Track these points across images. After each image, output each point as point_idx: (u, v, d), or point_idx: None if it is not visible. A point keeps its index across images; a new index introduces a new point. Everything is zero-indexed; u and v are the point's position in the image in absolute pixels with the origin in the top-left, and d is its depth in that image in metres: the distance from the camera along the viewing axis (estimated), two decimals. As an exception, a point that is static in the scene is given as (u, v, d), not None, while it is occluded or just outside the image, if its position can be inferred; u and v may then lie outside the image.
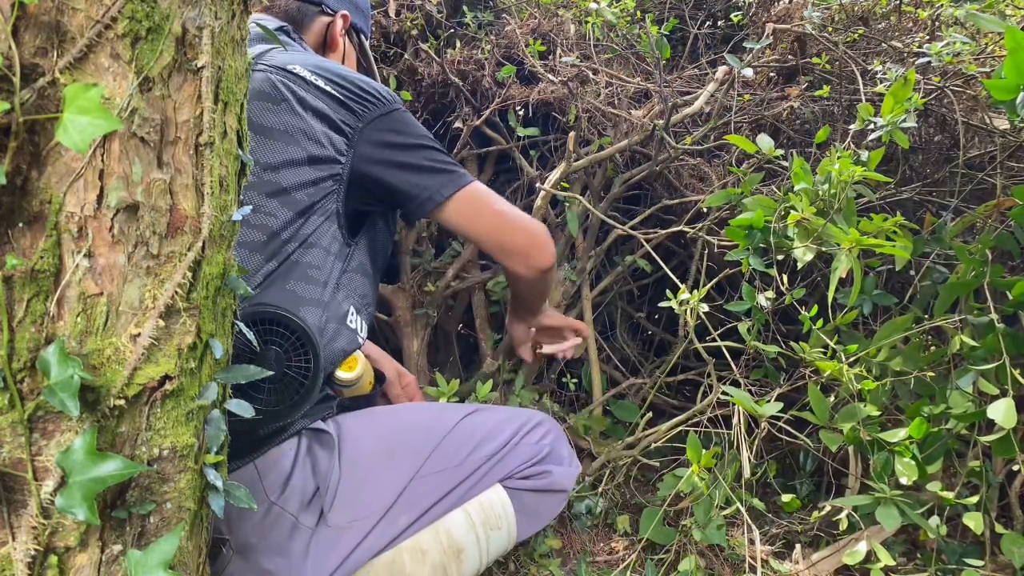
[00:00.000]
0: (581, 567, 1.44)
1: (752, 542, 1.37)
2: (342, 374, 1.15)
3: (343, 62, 1.44)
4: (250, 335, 0.90)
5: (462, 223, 1.24)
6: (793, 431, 1.41)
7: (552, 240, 1.34)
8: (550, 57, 2.03)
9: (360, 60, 1.52)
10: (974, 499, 1.21)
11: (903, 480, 1.21)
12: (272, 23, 1.33)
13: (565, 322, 1.62)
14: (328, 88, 1.15)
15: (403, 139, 1.19)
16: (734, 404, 1.37)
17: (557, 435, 1.27)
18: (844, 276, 1.20)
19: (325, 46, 1.42)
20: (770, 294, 1.45)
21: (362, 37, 1.51)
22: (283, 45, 1.04)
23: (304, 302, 1.09)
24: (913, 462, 1.22)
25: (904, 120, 1.33)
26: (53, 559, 0.68)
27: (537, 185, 1.78)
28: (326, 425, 1.12)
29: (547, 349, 1.65)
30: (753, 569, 1.35)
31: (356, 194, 1.18)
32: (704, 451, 1.32)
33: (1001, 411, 1.12)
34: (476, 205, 1.24)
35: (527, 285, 1.38)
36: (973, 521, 1.17)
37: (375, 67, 1.55)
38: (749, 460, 1.32)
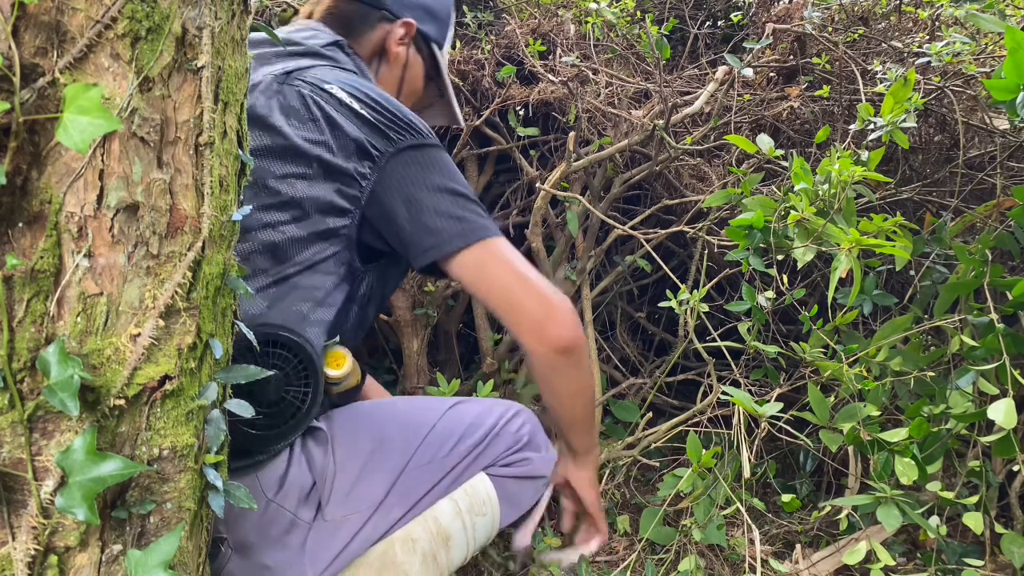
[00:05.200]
0: (581, 567, 1.44)
1: (752, 542, 1.37)
2: (331, 371, 1.15)
3: (403, 76, 1.33)
4: (251, 335, 0.90)
5: (471, 279, 1.11)
6: (793, 431, 1.41)
7: (578, 320, 1.16)
8: (550, 57, 2.03)
9: (429, 72, 1.36)
10: (974, 499, 1.21)
11: (903, 480, 1.21)
12: (325, 36, 1.23)
13: (593, 507, 1.34)
14: (362, 111, 1.09)
15: (431, 177, 1.10)
16: (734, 404, 1.37)
17: (534, 424, 1.28)
18: (844, 276, 1.20)
19: (380, 57, 1.30)
20: (770, 294, 1.45)
21: (435, 48, 1.34)
22: (277, 40, 1.03)
23: (310, 323, 1.08)
24: (913, 462, 1.22)
25: (904, 120, 1.33)
26: (53, 559, 0.68)
27: (537, 185, 1.78)
28: (319, 422, 1.13)
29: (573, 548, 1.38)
30: (753, 569, 1.35)
31: (368, 226, 1.12)
32: (704, 451, 1.32)
33: (1001, 411, 1.12)
34: (491, 261, 1.11)
35: (546, 375, 1.18)
36: (973, 521, 1.18)
37: (449, 87, 1.40)
38: (749, 460, 1.32)
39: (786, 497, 1.36)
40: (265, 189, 1.08)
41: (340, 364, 1.15)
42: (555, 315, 1.12)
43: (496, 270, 1.11)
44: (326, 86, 1.11)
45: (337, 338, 1.16)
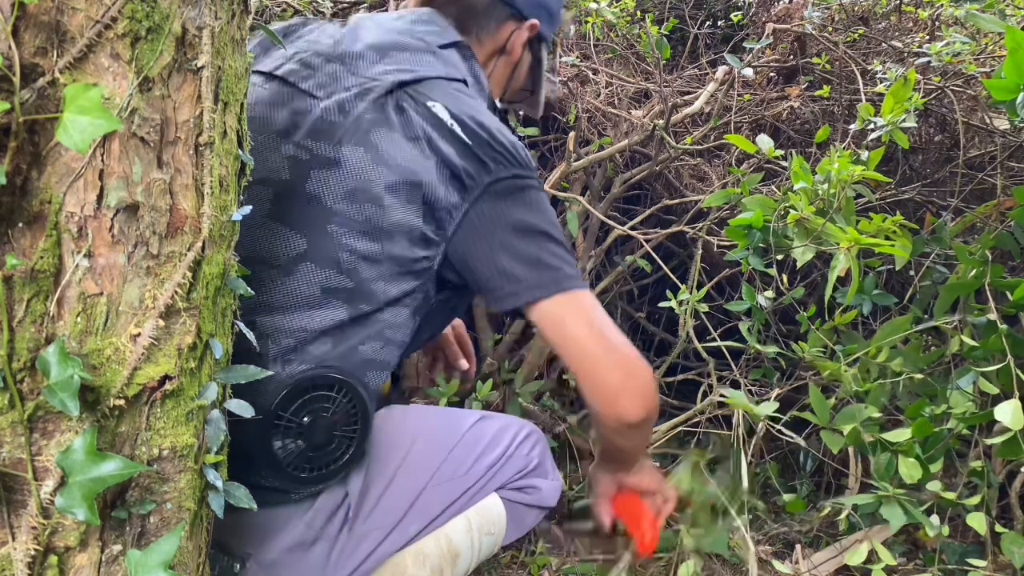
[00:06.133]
0: (581, 566, 1.44)
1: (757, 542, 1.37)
2: None
3: (514, 74, 1.29)
4: (251, 338, 0.88)
5: (549, 333, 1.04)
6: (791, 433, 1.41)
7: (655, 391, 1.09)
8: (550, 57, 2.03)
9: (533, 70, 1.33)
10: (976, 499, 1.21)
11: (907, 480, 1.21)
12: (445, 35, 1.14)
13: (660, 485, 1.28)
14: (463, 135, 1.01)
15: (522, 216, 1.02)
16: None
17: (543, 448, 1.26)
18: (843, 275, 1.21)
19: (499, 55, 1.24)
20: (770, 294, 1.45)
21: (543, 47, 1.31)
22: (278, 42, 1.00)
23: (373, 365, 1.02)
24: (917, 462, 1.21)
25: (904, 120, 1.33)
26: (53, 559, 0.68)
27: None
28: None
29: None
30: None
31: (449, 262, 1.04)
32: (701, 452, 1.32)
33: (1008, 412, 1.12)
34: (569, 317, 1.03)
35: (609, 436, 1.15)
36: (976, 521, 1.17)
37: (543, 86, 1.36)
38: (750, 463, 1.32)
39: (787, 497, 1.36)
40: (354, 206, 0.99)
41: None
42: (632, 387, 1.05)
43: (575, 329, 1.04)
44: (431, 104, 1.02)
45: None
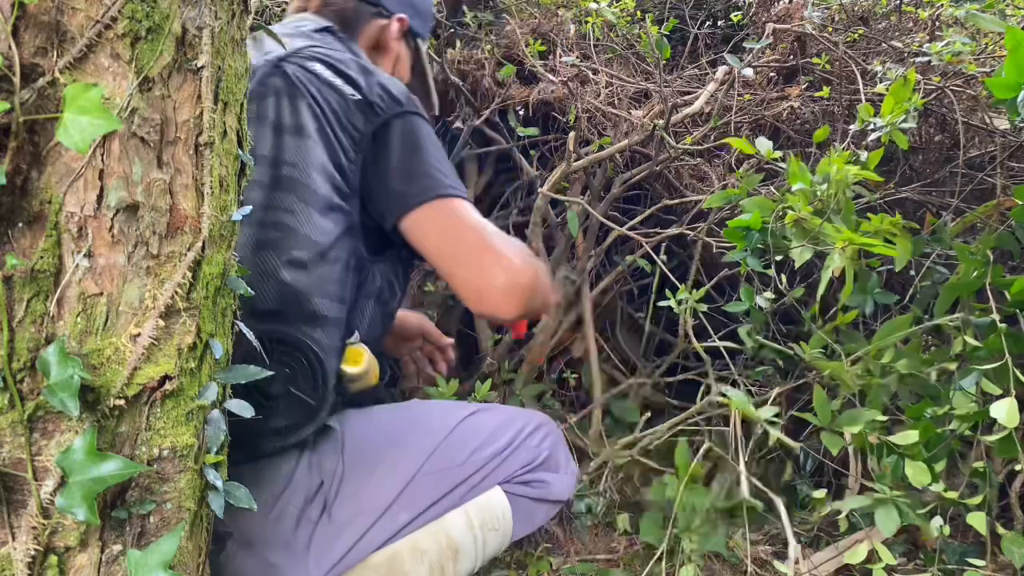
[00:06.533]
0: (581, 566, 1.44)
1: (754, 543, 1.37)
2: (348, 368, 1.14)
3: (395, 67, 1.39)
4: (255, 342, 0.90)
5: (418, 239, 1.10)
6: (787, 436, 1.41)
7: (531, 288, 1.09)
8: (550, 57, 2.03)
9: (415, 66, 1.45)
10: (977, 499, 1.21)
11: (914, 483, 1.20)
12: (314, 24, 1.27)
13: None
14: (346, 88, 1.12)
15: (405, 141, 1.13)
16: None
17: (556, 439, 1.26)
18: (837, 276, 1.20)
19: (377, 51, 1.36)
20: (769, 294, 1.45)
21: (419, 41, 1.44)
22: (279, 41, 1.04)
23: (322, 322, 1.07)
24: (924, 466, 1.21)
25: (904, 120, 1.32)
26: (53, 559, 0.68)
27: (538, 187, 1.78)
28: (331, 421, 1.13)
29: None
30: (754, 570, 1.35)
31: (361, 204, 1.14)
32: (699, 453, 1.31)
33: (1004, 411, 1.12)
34: (441, 220, 1.09)
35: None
36: (978, 522, 1.17)
37: (430, 75, 1.49)
38: (749, 464, 1.32)
39: (817, 493, 1.35)
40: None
41: (358, 361, 1.14)
42: (502, 285, 1.06)
43: (445, 232, 1.09)
44: (309, 65, 1.13)
45: (357, 336, 1.15)
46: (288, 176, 1.07)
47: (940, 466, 1.26)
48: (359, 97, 1.12)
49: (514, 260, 1.08)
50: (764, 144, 1.44)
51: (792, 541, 1.14)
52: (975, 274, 1.35)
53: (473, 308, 1.11)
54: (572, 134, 1.72)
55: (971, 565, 1.27)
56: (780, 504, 1.22)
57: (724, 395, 1.30)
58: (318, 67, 1.13)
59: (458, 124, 2.00)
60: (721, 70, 1.84)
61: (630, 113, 1.86)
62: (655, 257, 1.70)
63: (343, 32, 1.29)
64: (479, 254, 1.07)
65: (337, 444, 1.10)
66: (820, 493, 1.33)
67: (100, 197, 0.66)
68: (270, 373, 0.81)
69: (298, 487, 1.05)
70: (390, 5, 1.36)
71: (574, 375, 1.89)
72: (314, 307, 1.06)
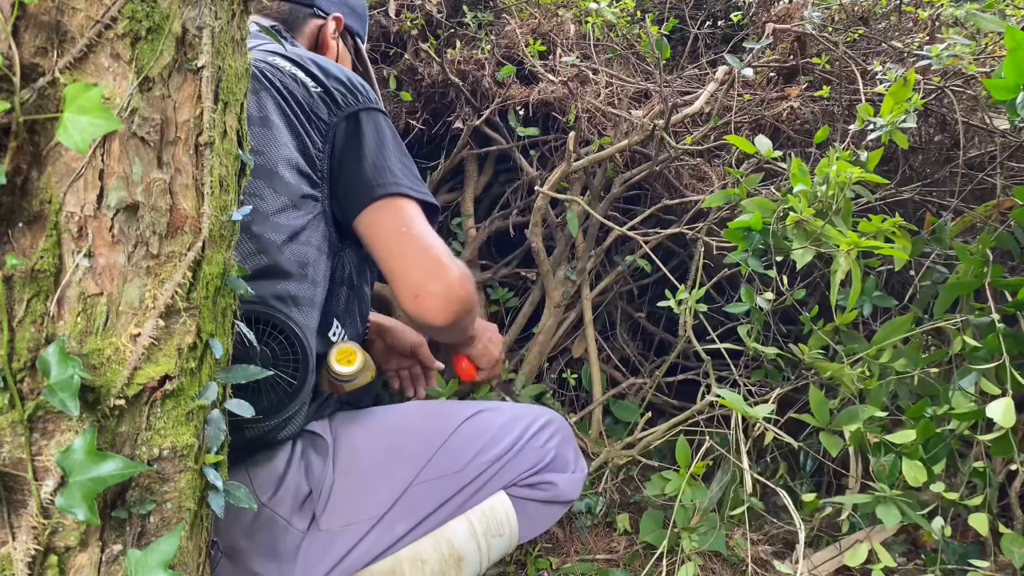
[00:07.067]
0: (581, 566, 1.44)
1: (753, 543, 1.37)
2: (342, 368, 1.11)
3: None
4: (250, 335, 0.90)
5: (371, 229, 1.12)
6: (785, 435, 1.41)
7: (464, 298, 1.11)
8: (550, 57, 2.03)
9: (355, 63, 1.50)
10: (978, 499, 1.21)
11: (912, 483, 1.20)
12: (261, 23, 1.31)
13: (489, 360, 1.44)
14: (307, 80, 1.14)
15: (372, 137, 1.15)
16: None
17: (564, 436, 1.22)
18: (843, 278, 1.20)
19: (317, 49, 1.41)
20: (769, 295, 1.45)
21: (358, 40, 1.49)
22: (279, 40, 1.03)
23: (297, 302, 1.08)
24: (921, 465, 1.21)
25: (904, 120, 1.32)
26: (53, 559, 0.68)
27: (537, 188, 1.78)
28: (321, 429, 1.11)
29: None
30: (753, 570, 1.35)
31: (331, 192, 1.16)
32: (700, 452, 1.31)
33: (1000, 410, 1.11)
34: (389, 218, 1.11)
35: (424, 331, 1.27)
36: (978, 522, 1.17)
37: (371, 71, 1.54)
38: (750, 464, 1.32)
39: (807, 497, 1.35)
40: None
41: (351, 360, 1.12)
42: (434, 291, 1.08)
43: (389, 231, 1.11)
44: (270, 59, 1.15)
45: (345, 334, 1.14)
46: (256, 164, 1.07)
47: (940, 466, 1.26)
48: (320, 89, 1.14)
49: (454, 271, 1.11)
50: (764, 143, 1.44)
51: (802, 537, 1.14)
52: (974, 274, 1.35)
53: (407, 308, 1.11)
54: (572, 134, 1.72)
55: (971, 566, 1.27)
56: (789, 501, 1.22)
57: (720, 396, 1.29)
58: (278, 60, 1.16)
59: (458, 124, 2.00)
60: (721, 70, 1.84)
61: (630, 113, 1.86)
62: (654, 258, 1.70)
63: (286, 31, 1.34)
64: (425, 256, 1.10)
65: (327, 453, 1.08)
66: (809, 496, 1.32)
67: (100, 197, 0.66)
68: (270, 373, 0.81)
69: (285, 495, 1.03)
70: (324, 5, 1.40)
71: (574, 375, 1.89)
72: (288, 288, 1.06)
